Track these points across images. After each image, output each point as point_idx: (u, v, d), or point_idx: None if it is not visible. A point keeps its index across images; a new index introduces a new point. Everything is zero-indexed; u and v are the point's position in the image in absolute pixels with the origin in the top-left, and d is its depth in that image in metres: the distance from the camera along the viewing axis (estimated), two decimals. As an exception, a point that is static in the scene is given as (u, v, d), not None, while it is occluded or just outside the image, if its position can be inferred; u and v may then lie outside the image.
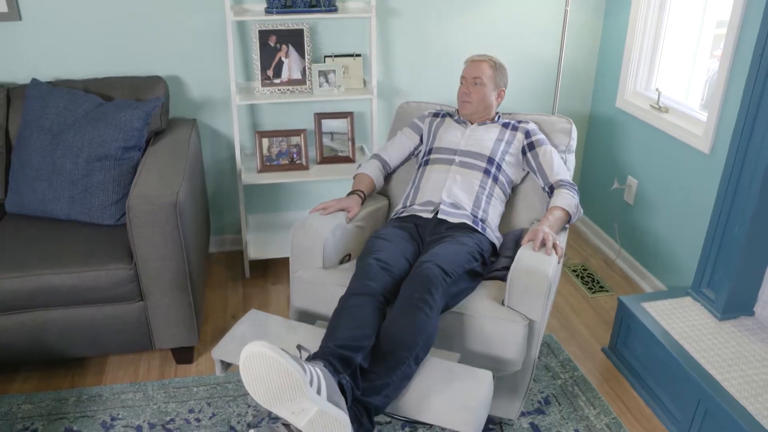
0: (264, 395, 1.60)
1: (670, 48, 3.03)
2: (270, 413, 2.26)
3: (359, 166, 2.64)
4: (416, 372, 1.86)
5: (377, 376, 1.78)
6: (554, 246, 2.13)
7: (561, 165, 2.48)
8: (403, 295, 1.96)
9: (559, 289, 3.12)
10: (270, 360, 1.55)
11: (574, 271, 3.27)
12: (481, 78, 2.52)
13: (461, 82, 2.58)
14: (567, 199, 2.36)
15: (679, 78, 3.03)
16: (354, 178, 2.61)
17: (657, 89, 2.97)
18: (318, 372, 1.64)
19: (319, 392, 1.60)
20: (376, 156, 2.65)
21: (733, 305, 2.46)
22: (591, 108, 3.54)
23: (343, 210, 2.38)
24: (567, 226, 2.38)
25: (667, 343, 2.32)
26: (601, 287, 3.13)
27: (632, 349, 2.53)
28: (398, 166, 2.70)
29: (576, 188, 2.42)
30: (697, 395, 2.16)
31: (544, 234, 2.15)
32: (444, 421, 1.70)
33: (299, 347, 1.78)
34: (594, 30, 3.36)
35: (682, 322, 2.45)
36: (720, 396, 2.08)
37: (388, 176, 2.70)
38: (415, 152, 2.67)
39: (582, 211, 2.43)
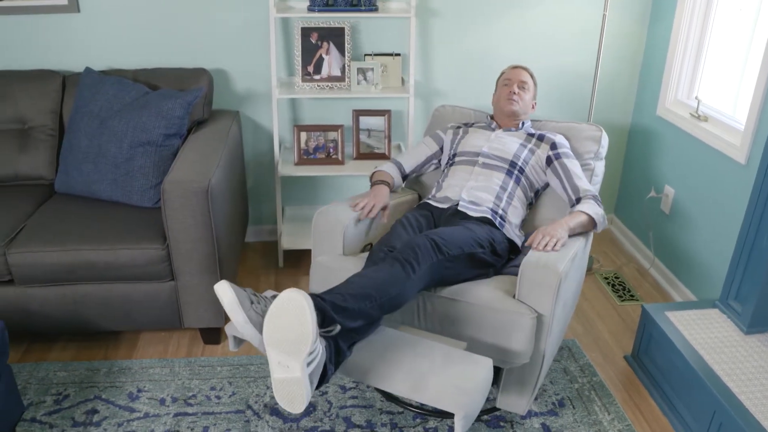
0: (273, 333, 1.67)
1: (714, 56, 2.97)
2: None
3: (376, 167, 2.66)
4: (377, 323, 1.91)
5: (342, 298, 1.82)
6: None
7: (582, 174, 2.46)
8: (389, 256, 2.02)
9: (587, 295, 3.10)
10: (303, 313, 1.63)
11: (606, 278, 3.24)
12: (527, 83, 2.60)
13: (504, 84, 2.61)
14: (593, 208, 2.33)
15: (726, 88, 2.97)
16: (373, 174, 2.61)
17: (696, 97, 2.93)
18: (321, 350, 1.72)
19: (308, 365, 1.67)
20: (392, 160, 2.68)
21: (760, 319, 2.40)
22: (632, 116, 3.51)
23: (384, 209, 2.43)
24: (590, 235, 2.37)
25: (686, 353, 2.29)
26: (631, 296, 3.10)
27: (653, 357, 2.50)
28: (413, 171, 2.69)
29: (600, 200, 2.39)
30: (712, 407, 2.13)
31: (550, 235, 2.15)
32: (438, 402, 1.73)
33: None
34: (638, 38, 3.33)
35: (706, 333, 2.41)
36: (735, 409, 2.05)
37: (405, 178, 2.70)
38: (432, 160, 2.69)
39: (606, 222, 2.38)
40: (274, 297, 1.76)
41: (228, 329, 2.00)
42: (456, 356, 1.86)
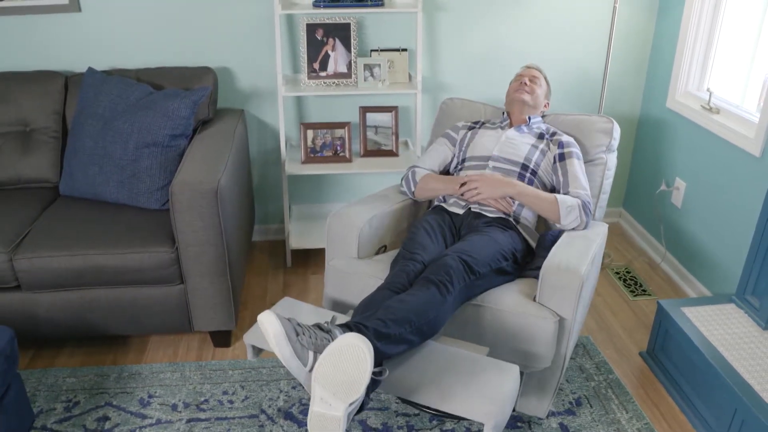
0: (326, 374, 1.62)
1: (724, 48, 2.94)
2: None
3: (409, 182, 2.53)
4: (417, 347, 1.87)
5: (384, 324, 1.79)
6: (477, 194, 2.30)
7: (584, 180, 2.39)
8: (422, 277, 1.98)
9: (599, 291, 3.07)
10: (363, 362, 1.59)
11: (617, 273, 3.21)
12: (539, 78, 2.61)
13: (516, 79, 2.62)
14: (567, 200, 2.28)
15: (735, 79, 2.94)
16: (419, 182, 2.50)
17: (708, 89, 2.89)
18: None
19: (351, 404, 1.64)
20: (416, 167, 2.56)
21: (779, 314, 2.38)
22: (641, 108, 3.47)
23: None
24: (605, 233, 2.32)
25: (704, 350, 2.26)
26: (643, 291, 3.07)
27: (670, 354, 2.47)
28: (441, 173, 2.62)
29: (590, 207, 2.32)
30: (733, 405, 2.10)
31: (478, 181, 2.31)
32: (467, 412, 1.69)
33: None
34: (646, 30, 3.29)
35: (723, 329, 2.38)
36: (758, 407, 2.02)
37: None
38: (453, 159, 2.64)
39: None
40: (317, 326, 1.72)
41: (247, 339, 1.95)
42: (482, 364, 1.82)
